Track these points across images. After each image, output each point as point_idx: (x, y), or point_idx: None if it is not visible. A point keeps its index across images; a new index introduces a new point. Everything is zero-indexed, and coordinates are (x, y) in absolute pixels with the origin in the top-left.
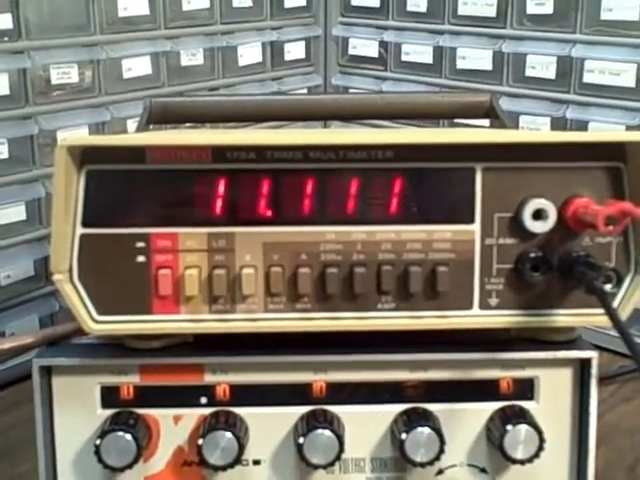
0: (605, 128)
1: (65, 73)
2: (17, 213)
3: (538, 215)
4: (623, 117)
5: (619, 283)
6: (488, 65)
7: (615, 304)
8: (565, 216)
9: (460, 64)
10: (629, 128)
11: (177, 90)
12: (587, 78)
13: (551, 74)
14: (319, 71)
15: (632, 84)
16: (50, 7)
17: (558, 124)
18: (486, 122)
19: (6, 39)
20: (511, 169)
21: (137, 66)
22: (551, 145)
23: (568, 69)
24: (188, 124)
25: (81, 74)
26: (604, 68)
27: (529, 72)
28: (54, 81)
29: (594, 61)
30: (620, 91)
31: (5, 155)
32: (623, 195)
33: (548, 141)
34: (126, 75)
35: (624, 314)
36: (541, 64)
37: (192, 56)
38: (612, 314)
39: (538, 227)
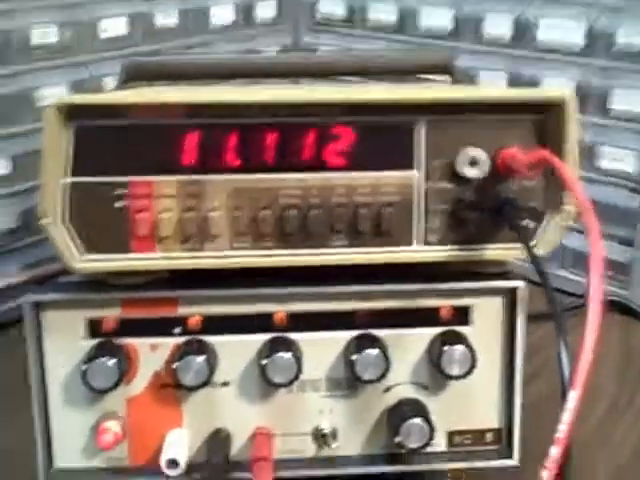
0: (557, 84)
1: (45, 33)
2: (2, 167)
3: (473, 163)
4: (573, 73)
5: (538, 221)
6: (449, 24)
7: (535, 240)
8: (496, 163)
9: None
10: (580, 84)
11: (152, 49)
12: (541, 36)
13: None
14: (290, 30)
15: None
16: None
17: (515, 80)
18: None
19: None
20: (449, 121)
21: (114, 27)
22: (483, 101)
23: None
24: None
25: (61, 34)
26: (557, 25)
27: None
28: (34, 41)
29: (548, 19)
30: (570, 50)
31: None
32: (546, 144)
33: (478, 98)
34: (103, 35)
35: (544, 248)
36: (498, 24)
37: (167, 16)
38: (529, 248)
39: (472, 173)
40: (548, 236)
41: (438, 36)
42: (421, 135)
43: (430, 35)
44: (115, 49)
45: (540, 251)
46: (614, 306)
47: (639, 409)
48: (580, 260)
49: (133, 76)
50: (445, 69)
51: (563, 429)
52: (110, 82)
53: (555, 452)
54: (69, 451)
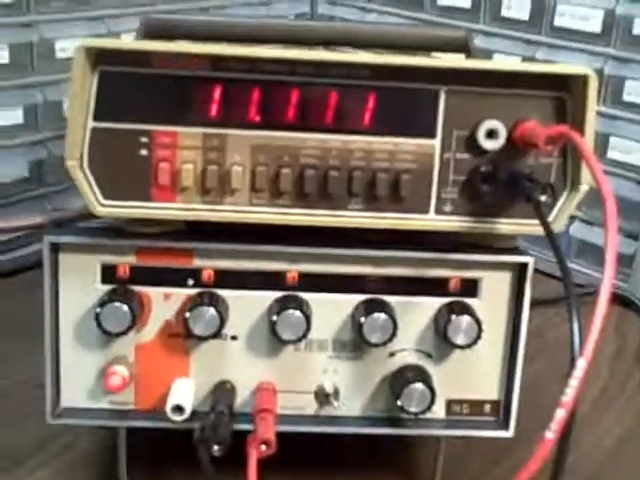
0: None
1: None
2: (14, 117)
3: (491, 134)
4: (588, 61)
5: (555, 197)
6: (467, 3)
7: (551, 216)
8: (514, 136)
9: (441, 0)
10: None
11: (170, 9)
12: (558, 22)
13: (525, 15)
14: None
15: (598, 30)
16: None
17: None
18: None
19: None
20: (470, 92)
21: None
22: (505, 73)
23: (542, 12)
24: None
25: None
26: (574, 13)
27: (505, 12)
28: None
29: (565, 5)
30: (587, 36)
31: (6, 60)
32: (565, 121)
33: (502, 69)
34: None
35: (558, 225)
36: (517, 5)
37: None
38: (544, 222)
39: (490, 145)
40: (563, 213)
41: (456, 14)
42: (443, 104)
43: (448, 13)
44: (133, 5)
45: (555, 228)
46: (614, 297)
47: (630, 396)
48: (584, 251)
49: (152, 33)
50: (461, 47)
51: (570, 392)
52: (127, 39)
53: (560, 415)
54: (76, 391)
